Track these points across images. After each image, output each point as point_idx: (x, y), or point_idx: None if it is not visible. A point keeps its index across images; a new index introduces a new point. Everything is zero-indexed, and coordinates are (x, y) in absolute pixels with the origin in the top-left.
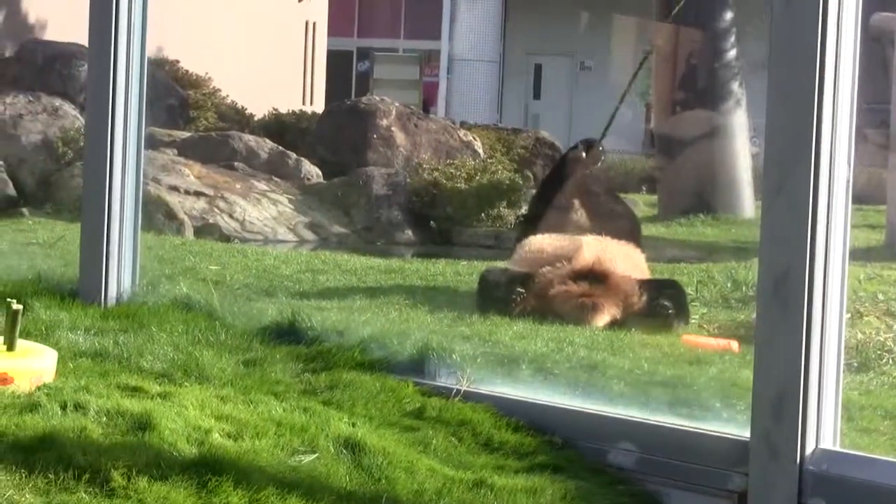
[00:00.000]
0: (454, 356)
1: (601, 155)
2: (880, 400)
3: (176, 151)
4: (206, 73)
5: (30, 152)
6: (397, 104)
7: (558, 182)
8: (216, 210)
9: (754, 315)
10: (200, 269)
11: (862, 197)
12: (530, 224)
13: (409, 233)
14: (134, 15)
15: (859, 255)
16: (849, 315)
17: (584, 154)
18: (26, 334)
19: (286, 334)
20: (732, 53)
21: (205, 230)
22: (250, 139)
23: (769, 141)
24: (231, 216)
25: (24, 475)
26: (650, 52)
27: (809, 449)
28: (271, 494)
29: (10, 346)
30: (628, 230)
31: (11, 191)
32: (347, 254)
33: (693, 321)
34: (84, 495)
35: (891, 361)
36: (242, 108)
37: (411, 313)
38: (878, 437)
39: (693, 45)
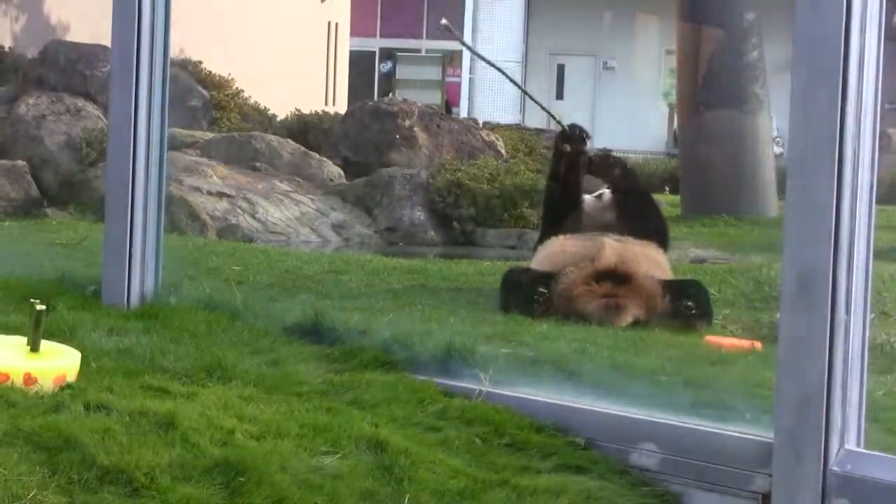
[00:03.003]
0: (477, 356)
1: (584, 135)
2: None
3: (199, 152)
4: (229, 74)
5: (53, 153)
6: (419, 104)
7: (557, 180)
8: (239, 210)
9: (778, 315)
10: (223, 269)
11: (887, 198)
12: (546, 225)
13: (431, 233)
14: (157, 16)
15: (884, 255)
16: (873, 315)
17: (567, 146)
18: (50, 335)
19: (309, 334)
20: (756, 54)
21: (227, 231)
22: (273, 140)
23: (793, 141)
24: (253, 217)
25: (47, 475)
26: None
27: (834, 449)
28: (294, 495)
29: (34, 347)
30: (653, 229)
31: (35, 191)
32: (370, 254)
33: (716, 321)
34: (107, 495)
35: None
36: (265, 108)
37: (434, 314)
38: None
39: (716, 46)
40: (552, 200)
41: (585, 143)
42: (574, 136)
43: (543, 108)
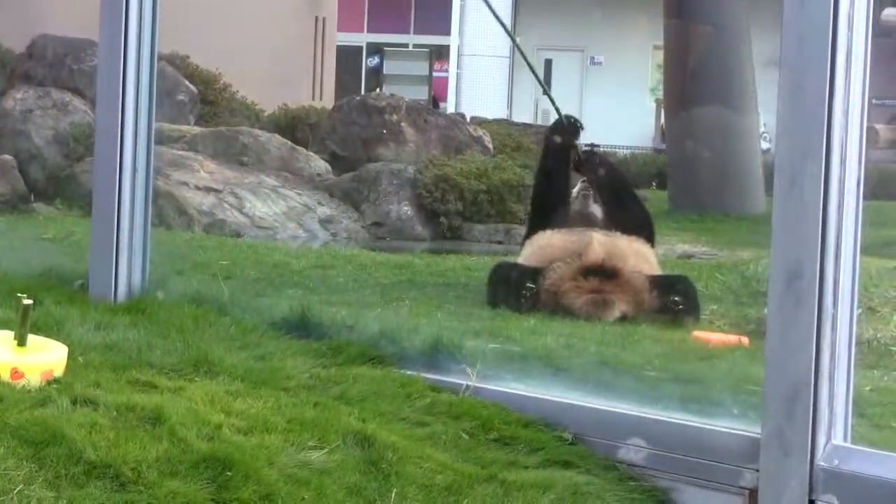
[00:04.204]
0: (464, 351)
1: (576, 127)
2: (892, 396)
3: (186, 147)
4: (217, 69)
5: (40, 148)
6: (407, 99)
7: (546, 174)
8: (226, 205)
9: (765, 310)
10: (210, 264)
11: (874, 193)
12: (533, 219)
13: (418, 228)
14: (144, 10)
15: (871, 251)
16: (860, 310)
17: (558, 138)
18: (37, 329)
19: (296, 329)
20: (743, 49)
21: (214, 225)
22: (260, 135)
23: (781, 137)
24: (241, 211)
25: (34, 469)
26: None
27: (821, 445)
28: (282, 489)
29: (21, 341)
30: (640, 225)
31: (22, 186)
32: (357, 249)
33: (703, 317)
34: (94, 490)
35: None
36: (252, 103)
37: (421, 309)
38: (889, 433)
39: (704, 41)
40: (541, 194)
41: (577, 135)
42: (566, 127)
43: (555, 106)
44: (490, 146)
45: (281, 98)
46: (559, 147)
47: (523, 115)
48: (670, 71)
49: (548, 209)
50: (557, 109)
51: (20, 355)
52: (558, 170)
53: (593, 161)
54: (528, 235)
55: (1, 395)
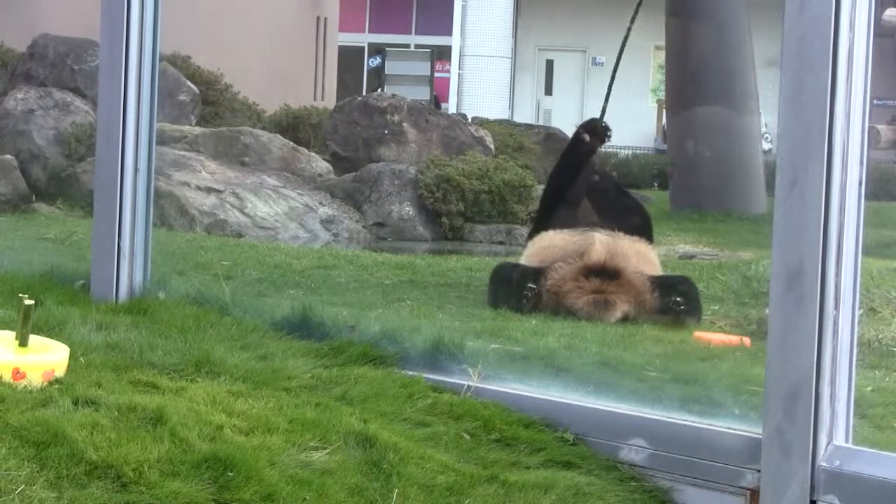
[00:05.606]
0: (466, 352)
1: (606, 132)
2: (894, 396)
3: (187, 147)
4: (219, 69)
5: (41, 148)
6: (408, 99)
7: (566, 172)
8: (227, 206)
9: (766, 311)
10: (212, 264)
11: (875, 193)
12: (542, 218)
13: (420, 228)
14: (146, 10)
15: (872, 251)
16: (861, 311)
17: (587, 137)
18: (38, 329)
19: (298, 330)
20: (745, 50)
21: (216, 226)
22: (262, 135)
23: (782, 137)
24: (242, 212)
25: (36, 470)
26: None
27: (822, 445)
28: (283, 490)
29: (23, 342)
30: (640, 226)
31: (23, 186)
32: (359, 249)
33: (705, 317)
34: (95, 490)
35: None
36: (254, 103)
37: (423, 309)
38: (891, 433)
39: (705, 42)
40: (556, 191)
41: (604, 141)
42: (597, 128)
43: (603, 108)
44: (492, 146)
45: (282, 98)
46: (585, 148)
47: (525, 116)
48: (671, 71)
49: (559, 208)
50: (603, 112)
51: (22, 356)
52: (577, 170)
53: (589, 165)
54: (531, 235)
55: (2, 395)
